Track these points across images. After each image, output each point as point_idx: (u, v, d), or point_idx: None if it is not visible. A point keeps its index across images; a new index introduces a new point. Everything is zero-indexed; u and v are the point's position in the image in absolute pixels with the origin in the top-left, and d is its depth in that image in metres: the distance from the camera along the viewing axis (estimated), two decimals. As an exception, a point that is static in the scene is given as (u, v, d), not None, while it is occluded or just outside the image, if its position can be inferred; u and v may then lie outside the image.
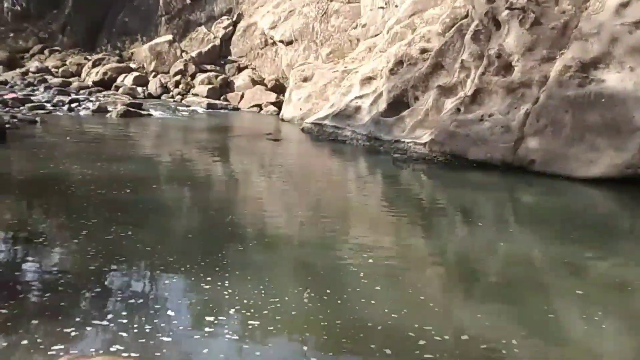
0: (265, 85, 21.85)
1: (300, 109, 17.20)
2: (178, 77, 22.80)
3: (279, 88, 21.33)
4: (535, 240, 7.14)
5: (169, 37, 24.86)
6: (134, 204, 7.64)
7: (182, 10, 26.81)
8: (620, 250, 6.82)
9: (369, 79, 14.64)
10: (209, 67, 23.41)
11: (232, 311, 4.59)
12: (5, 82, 21.85)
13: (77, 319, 4.28)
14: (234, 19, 24.93)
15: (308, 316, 4.58)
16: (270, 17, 22.94)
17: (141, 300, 4.72)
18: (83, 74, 23.84)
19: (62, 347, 3.90)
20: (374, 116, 13.49)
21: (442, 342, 4.21)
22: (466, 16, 13.08)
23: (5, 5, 28.70)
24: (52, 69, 24.60)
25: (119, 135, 14.22)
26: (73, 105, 17.88)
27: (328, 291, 5.00)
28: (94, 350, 3.87)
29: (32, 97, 18.46)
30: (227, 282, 5.09)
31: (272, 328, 4.36)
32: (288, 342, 4.25)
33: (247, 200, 8.83)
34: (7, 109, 15.65)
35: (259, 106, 20.56)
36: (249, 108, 20.67)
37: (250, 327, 4.35)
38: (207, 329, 4.30)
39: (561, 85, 10.56)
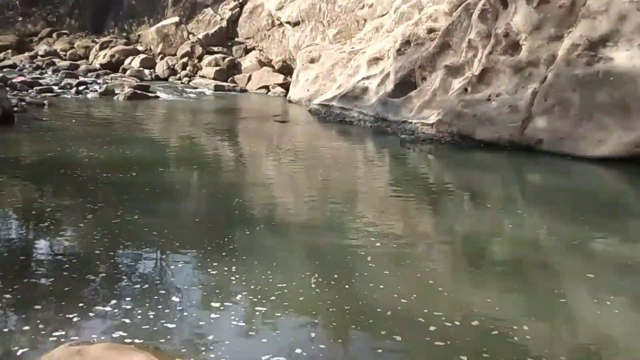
0: (273, 67, 21.75)
1: (308, 90, 17.11)
2: (185, 59, 22.74)
3: (287, 69, 21.22)
4: (545, 221, 7.06)
5: (176, 19, 24.77)
6: (141, 187, 7.60)
7: (188, -9, 26.67)
8: (631, 231, 6.74)
9: (376, 60, 14.53)
10: (216, 49, 23.31)
11: (238, 297, 4.54)
12: (14, 66, 22.06)
13: (81, 304, 4.25)
14: (241, 0, 24.75)
15: (316, 301, 4.53)
16: (277, -2, 22.80)
17: (146, 286, 4.69)
18: (91, 57, 23.89)
19: (64, 333, 3.87)
20: (381, 97, 13.38)
21: (452, 328, 4.15)
22: (473, -5, 12.91)
23: (14, -11, 28.68)
24: (60, 52, 24.68)
25: (126, 118, 14.20)
26: (81, 88, 17.93)
27: (336, 276, 4.95)
28: (95, 336, 3.84)
29: (41, 80, 18.54)
30: (233, 267, 5.05)
31: (279, 314, 4.31)
32: (295, 328, 4.20)
33: (255, 183, 8.77)
34: (15, 92, 15.71)
35: (267, 88, 20.48)
36: (256, 90, 20.60)
37: (257, 312, 4.31)
38: (213, 315, 4.25)
39: (569, 64, 10.42)
